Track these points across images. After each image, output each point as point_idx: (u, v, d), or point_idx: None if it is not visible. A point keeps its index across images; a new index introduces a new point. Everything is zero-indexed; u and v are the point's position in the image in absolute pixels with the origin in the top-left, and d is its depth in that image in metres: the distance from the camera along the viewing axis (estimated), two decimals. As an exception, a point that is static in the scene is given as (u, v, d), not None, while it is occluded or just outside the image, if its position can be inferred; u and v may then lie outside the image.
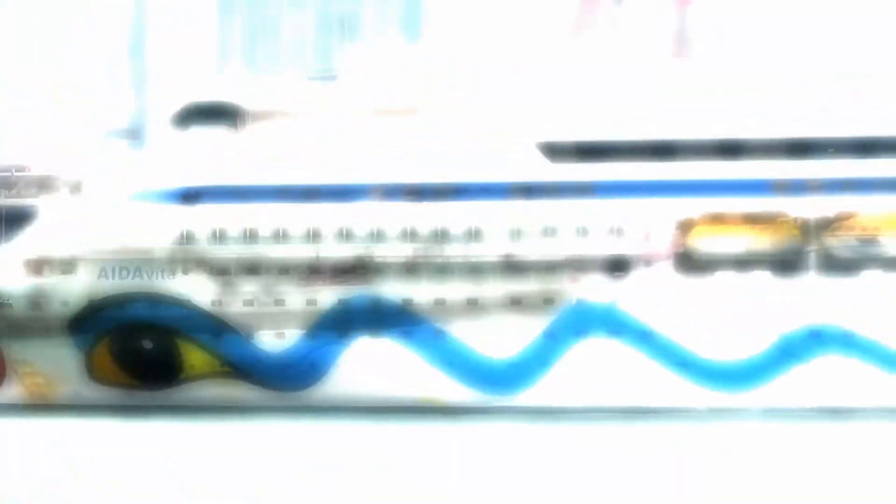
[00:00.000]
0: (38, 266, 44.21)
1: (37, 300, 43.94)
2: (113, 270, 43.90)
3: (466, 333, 43.05)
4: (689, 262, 43.00)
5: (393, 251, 43.53)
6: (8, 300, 43.77)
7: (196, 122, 44.65)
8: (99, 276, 44.00)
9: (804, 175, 42.84)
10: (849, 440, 34.41)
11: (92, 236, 43.70)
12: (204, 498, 22.84)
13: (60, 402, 44.54)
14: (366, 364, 43.30)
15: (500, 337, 42.94)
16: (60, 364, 44.12)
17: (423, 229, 43.42)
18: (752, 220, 43.08)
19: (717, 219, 43.08)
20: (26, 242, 45.58)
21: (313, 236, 43.61)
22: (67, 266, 44.03)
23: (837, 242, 42.84)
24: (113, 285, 43.84)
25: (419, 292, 43.43)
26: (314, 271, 43.85)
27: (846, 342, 42.31)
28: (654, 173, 42.84)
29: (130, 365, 44.51)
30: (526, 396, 42.90)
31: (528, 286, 43.23)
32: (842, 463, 28.53)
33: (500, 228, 43.04)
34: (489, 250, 43.10)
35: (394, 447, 33.03)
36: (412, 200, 43.76)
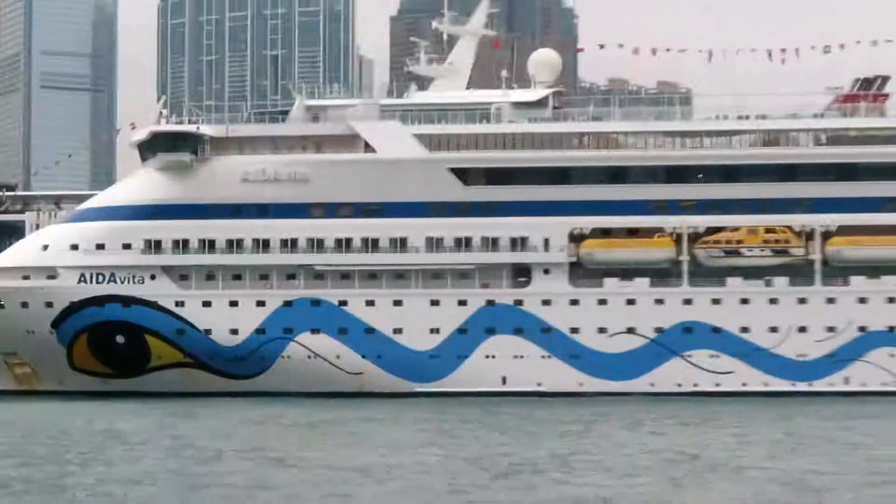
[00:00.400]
0: (26, 273, 51.42)
1: (25, 302, 51.12)
2: (90, 277, 51.15)
3: (393, 330, 50.66)
4: (581, 270, 50.79)
5: (331, 260, 51.18)
6: (1, 302, 50.86)
7: (160, 148, 51.71)
8: (78, 282, 51.28)
9: (678, 196, 50.83)
10: (718, 418, 41.39)
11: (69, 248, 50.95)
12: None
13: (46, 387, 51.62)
14: (307, 357, 50.76)
15: (421, 333, 50.56)
16: (46, 356, 51.22)
17: (357, 241, 51.01)
18: (634, 234, 50.99)
19: (605, 233, 50.92)
20: (15, 253, 53.01)
21: (262, 246, 51.13)
22: (51, 273, 51.28)
23: (705, 254, 50.78)
24: (90, 289, 51.13)
25: (353, 294, 51.02)
26: (263, 277, 51.48)
27: (713, 337, 50.29)
28: (551, 195, 50.51)
29: (105, 356, 51.72)
30: (444, 383, 50.47)
31: (445, 290, 50.94)
32: (709, 435, 35.49)
33: (421, 240, 50.70)
34: (412, 259, 50.80)
35: (333, 430, 39.88)
36: (349, 216, 51.41)
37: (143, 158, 53.18)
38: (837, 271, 50.71)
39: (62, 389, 51.41)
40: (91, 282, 51.20)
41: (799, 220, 50.50)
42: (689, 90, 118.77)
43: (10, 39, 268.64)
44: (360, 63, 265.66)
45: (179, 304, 51.06)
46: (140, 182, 52.98)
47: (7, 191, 59.08)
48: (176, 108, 56.26)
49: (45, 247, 52.11)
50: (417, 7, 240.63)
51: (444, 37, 55.72)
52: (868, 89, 51.73)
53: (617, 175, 51.25)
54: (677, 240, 50.72)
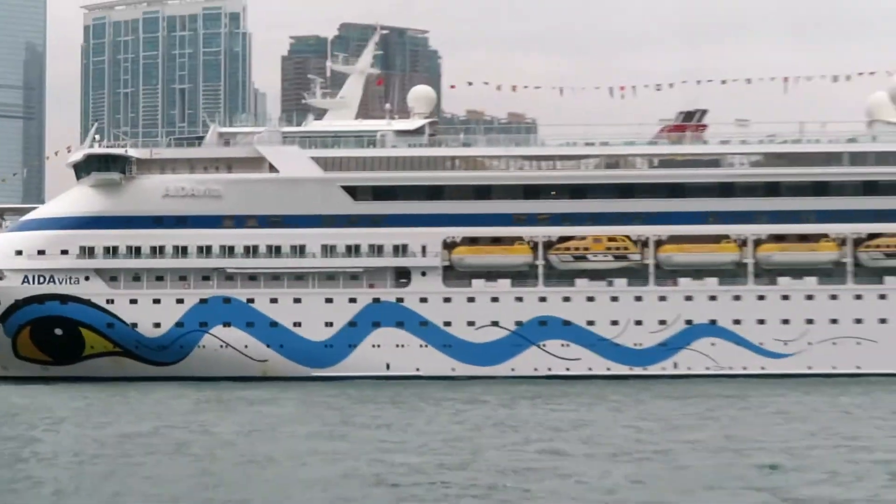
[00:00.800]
0: (-23, 275, 59.52)
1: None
2: (32, 278, 59.32)
3: (293, 323, 59.33)
4: (453, 272, 59.78)
5: (240, 264, 59.77)
6: None
7: (93, 168, 59.93)
8: (22, 282, 59.44)
9: (534, 210, 60.02)
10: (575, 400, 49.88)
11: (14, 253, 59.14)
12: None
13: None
14: (219, 346, 59.25)
15: (318, 326, 59.29)
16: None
17: (263, 247, 59.66)
18: (498, 242, 60.09)
19: (472, 241, 59.95)
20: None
21: (181, 252, 59.59)
22: (-1, 275, 59.46)
23: (557, 259, 59.97)
24: (32, 289, 59.27)
25: (259, 293, 59.63)
26: (182, 278, 59.95)
27: (564, 329, 59.45)
28: (427, 209, 59.45)
29: (45, 346, 59.80)
30: (337, 368, 59.16)
31: (338, 289, 59.72)
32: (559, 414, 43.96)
33: (317, 247, 59.45)
34: (310, 263, 59.53)
35: (248, 409, 48.01)
36: (256, 227, 60.01)
37: (78, 177, 61.26)
38: (668, 273, 60.06)
39: (6, 375, 59.55)
40: (33, 282, 59.11)
41: (635, 230, 59.76)
42: (535, 120, 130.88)
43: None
44: (256, 96, 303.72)
45: (110, 301, 59.15)
46: (75, 197, 61.00)
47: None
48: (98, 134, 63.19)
49: (-5, 253, 60.50)
50: (304, 49, 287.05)
51: (328, 73, 64.66)
52: (690, 120, 61.26)
53: (482, 192, 60.20)
54: (534, 247, 59.78)
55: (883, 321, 58.88)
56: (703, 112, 61.69)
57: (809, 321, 58.96)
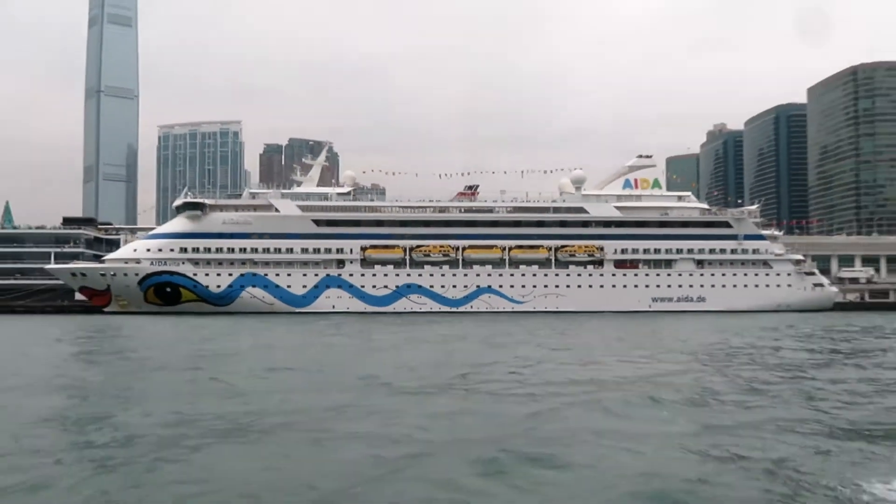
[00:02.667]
0: (127, 260, 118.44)
1: (126, 273, 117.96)
2: (155, 262, 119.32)
3: (286, 286, 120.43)
4: (366, 262, 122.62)
5: (261, 256, 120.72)
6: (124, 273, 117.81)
7: (187, 208, 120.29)
8: (150, 265, 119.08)
9: (404, 232, 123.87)
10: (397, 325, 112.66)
11: (146, 250, 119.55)
12: None
13: (132, 310, 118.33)
14: (251, 297, 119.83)
15: (300, 286, 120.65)
16: (133, 297, 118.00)
17: (272, 249, 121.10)
18: (387, 247, 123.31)
19: (375, 247, 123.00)
20: (122, 252, 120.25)
21: (230, 250, 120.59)
22: (138, 261, 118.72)
23: (417, 255, 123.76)
24: (154, 268, 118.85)
25: (270, 271, 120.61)
26: (231, 263, 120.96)
27: (420, 290, 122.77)
28: (353, 231, 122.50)
29: (161, 297, 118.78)
30: (308, 308, 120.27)
31: (308, 269, 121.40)
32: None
33: (301, 247, 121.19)
34: (297, 257, 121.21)
35: (252, 325, 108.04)
36: (268, 238, 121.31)
37: (178, 212, 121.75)
38: (467, 264, 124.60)
39: (138, 311, 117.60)
40: (156, 265, 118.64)
41: (453, 242, 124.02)
42: (384, 188, 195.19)
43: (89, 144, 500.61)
44: (245, 174, 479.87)
45: (195, 274, 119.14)
46: (177, 223, 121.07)
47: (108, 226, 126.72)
48: (174, 192, 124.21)
49: (135, 249, 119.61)
50: (271, 150, 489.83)
51: (302, 163, 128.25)
52: (470, 190, 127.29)
53: (380, 223, 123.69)
54: (405, 250, 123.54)
55: (568, 286, 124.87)
56: (476, 186, 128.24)
57: (534, 286, 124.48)
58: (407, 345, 53.30)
